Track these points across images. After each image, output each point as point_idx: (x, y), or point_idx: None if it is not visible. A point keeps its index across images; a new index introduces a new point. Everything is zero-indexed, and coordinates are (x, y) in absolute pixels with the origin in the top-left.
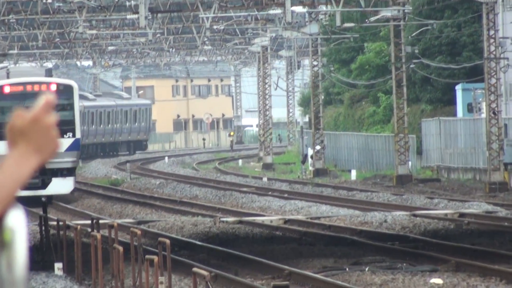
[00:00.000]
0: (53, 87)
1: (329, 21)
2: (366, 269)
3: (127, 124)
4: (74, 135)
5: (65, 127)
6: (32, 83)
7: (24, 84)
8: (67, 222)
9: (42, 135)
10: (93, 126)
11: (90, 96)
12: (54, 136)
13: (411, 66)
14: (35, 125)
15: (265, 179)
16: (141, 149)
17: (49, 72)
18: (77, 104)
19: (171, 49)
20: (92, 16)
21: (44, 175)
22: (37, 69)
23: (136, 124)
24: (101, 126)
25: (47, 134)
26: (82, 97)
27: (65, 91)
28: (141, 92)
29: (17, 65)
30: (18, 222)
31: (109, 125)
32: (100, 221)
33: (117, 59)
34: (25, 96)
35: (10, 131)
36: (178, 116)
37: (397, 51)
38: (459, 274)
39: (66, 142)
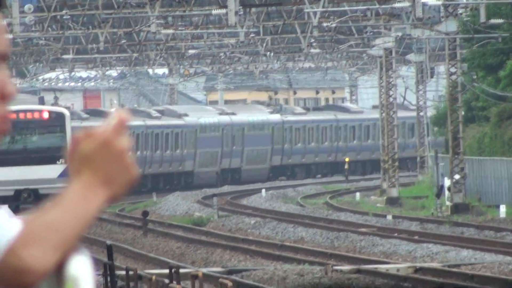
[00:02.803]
0: (45, 115)
1: (471, 17)
2: None
3: (354, 142)
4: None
5: (58, 153)
6: (25, 111)
7: (16, 112)
8: (139, 272)
9: (113, 162)
10: (299, 144)
11: (297, 109)
12: (128, 164)
13: None
14: (105, 150)
15: (389, 217)
16: (378, 170)
17: (41, 100)
18: (69, 130)
19: (268, 53)
20: (167, 12)
21: (35, 201)
22: (30, 97)
23: (369, 141)
24: (312, 144)
25: (119, 161)
26: (287, 111)
27: (57, 119)
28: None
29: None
30: (83, 271)
31: (325, 143)
32: (181, 270)
33: (199, 66)
34: (17, 124)
35: (73, 156)
36: None
37: None
38: None
39: (59, 168)
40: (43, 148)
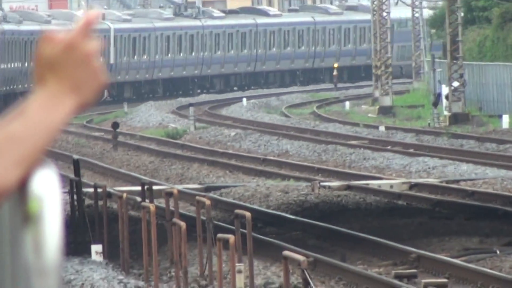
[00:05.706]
0: None
1: None
2: None
3: None
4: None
5: None
6: None
7: None
8: (108, 189)
9: (80, 68)
10: None
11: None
12: (96, 69)
13: None
14: (71, 54)
15: (382, 128)
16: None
17: None
18: None
19: None
20: None
21: None
22: None
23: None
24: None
25: (87, 66)
26: None
27: None
28: (208, 8)
29: None
30: (49, 188)
31: None
32: (154, 187)
33: None
34: None
35: (37, 62)
36: None
37: None
38: None
39: None
40: None
